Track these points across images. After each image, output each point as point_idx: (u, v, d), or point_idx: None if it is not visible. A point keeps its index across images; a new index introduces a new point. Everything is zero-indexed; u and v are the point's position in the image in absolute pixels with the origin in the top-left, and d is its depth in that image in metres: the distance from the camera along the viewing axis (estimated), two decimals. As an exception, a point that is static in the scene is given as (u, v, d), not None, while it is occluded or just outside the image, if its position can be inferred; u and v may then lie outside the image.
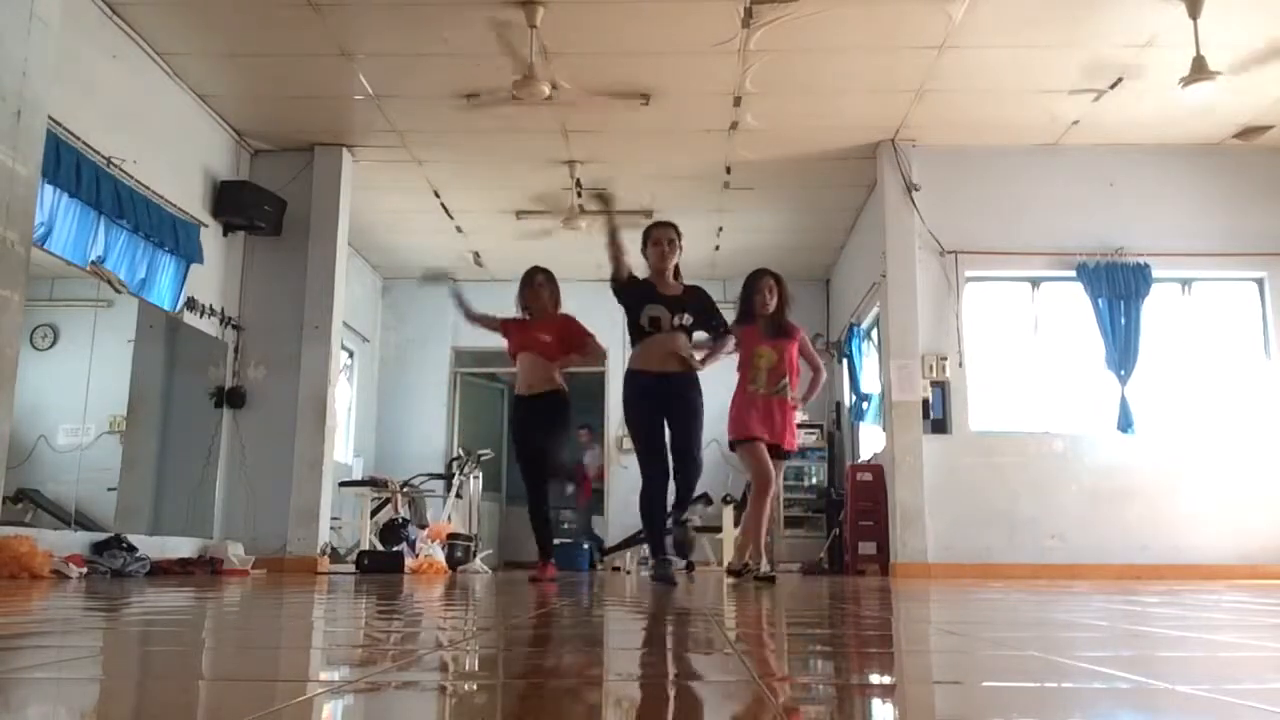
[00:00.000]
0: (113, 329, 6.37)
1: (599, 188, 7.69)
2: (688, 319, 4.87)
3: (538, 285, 5.54)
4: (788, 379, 5.12)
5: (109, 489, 6.34)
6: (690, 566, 8.21)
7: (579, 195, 8.55)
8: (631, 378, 4.91)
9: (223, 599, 3.44)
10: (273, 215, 7.56)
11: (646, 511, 4.84)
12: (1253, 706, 1.13)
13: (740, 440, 5.08)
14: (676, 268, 5.01)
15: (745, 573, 5.09)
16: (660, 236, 4.97)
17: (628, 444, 10.81)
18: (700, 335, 5.09)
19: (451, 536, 7.96)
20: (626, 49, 6.34)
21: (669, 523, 4.95)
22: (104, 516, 6.16)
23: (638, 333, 4.88)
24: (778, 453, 5.14)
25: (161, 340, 6.94)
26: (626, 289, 4.94)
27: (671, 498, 4.96)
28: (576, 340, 5.48)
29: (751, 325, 5.17)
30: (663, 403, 4.82)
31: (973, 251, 7.53)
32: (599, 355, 5.66)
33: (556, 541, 9.84)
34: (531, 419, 5.47)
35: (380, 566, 7.31)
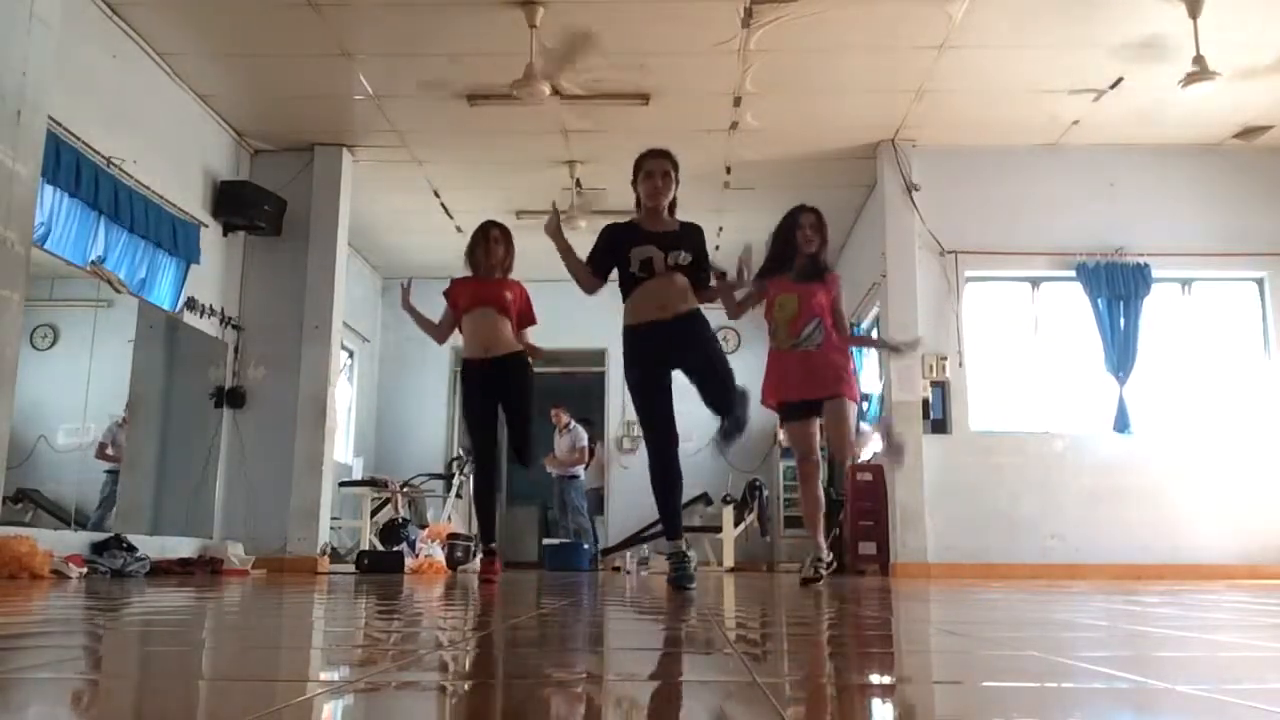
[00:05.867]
0: (113, 329, 6.37)
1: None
2: (684, 257, 4.09)
3: (493, 240, 5.03)
4: (815, 326, 4.50)
5: (109, 489, 6.35)
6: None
7: (578, 195, 8.55)
8: (628, 334, 4.14)
9: (223, 599, 3.43)
10: (273, 215, 7.56)
11: (659, 485, 4.08)
12: (1253, 706, 1.13)
13: (772, 409, 4.62)
14: (672, 204, 4.21)
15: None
16: (654, 168, 4.14)
17: (628, 444, 10.82)
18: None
19: (451, 536, 7.96)
20: (626, 49, 6.34)
21: (721, 435, 4.21)
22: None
23: (630, 282, 4.11)
24: (817, 408, 4.52)
25: (161, 340, 6.94)
26: (607, 242, 4.20)
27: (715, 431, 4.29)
28: (526, 315, 5.04)
29: (781, 275, 4.57)
30: (667, 353, 4.07)
31: (972, 251, 7.54)
32: (537, 354, 5.07)
33: (556, 541, 9.96)
34: (489, 386, 4.89)
35: (380, 566, 7.30)
